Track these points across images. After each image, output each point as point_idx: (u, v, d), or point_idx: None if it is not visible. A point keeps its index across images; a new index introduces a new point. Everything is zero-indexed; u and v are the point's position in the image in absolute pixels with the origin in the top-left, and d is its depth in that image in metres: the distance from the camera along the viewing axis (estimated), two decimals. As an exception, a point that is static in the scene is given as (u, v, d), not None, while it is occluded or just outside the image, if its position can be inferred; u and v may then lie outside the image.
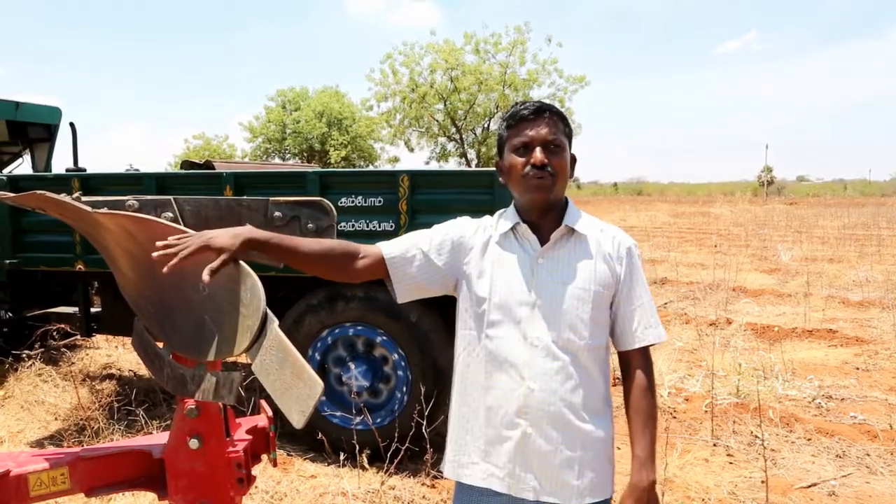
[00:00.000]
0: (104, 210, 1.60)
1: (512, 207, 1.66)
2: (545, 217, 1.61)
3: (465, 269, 1.65)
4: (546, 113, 1.56)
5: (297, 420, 1.35)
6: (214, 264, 1.37)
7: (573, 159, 1.64)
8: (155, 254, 1.38)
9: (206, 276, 1.34)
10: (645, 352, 1.61)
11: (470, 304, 1.64)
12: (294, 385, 1.35)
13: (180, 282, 1.56)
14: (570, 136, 1.62)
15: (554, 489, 1.55)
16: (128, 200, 1.84)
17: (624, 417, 1.63)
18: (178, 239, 1.42)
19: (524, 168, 1.55)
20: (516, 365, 1.56)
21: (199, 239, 1.40)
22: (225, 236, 1.42)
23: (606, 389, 1.64)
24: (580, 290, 1.55)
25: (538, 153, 1.54)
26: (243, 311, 1.43)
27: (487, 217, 1.72)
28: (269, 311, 1.43)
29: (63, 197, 1.59)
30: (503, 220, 1.65)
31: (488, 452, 1.60)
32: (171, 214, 1.83)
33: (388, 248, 1.64)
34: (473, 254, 1.64)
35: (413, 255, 1.64)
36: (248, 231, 1.46)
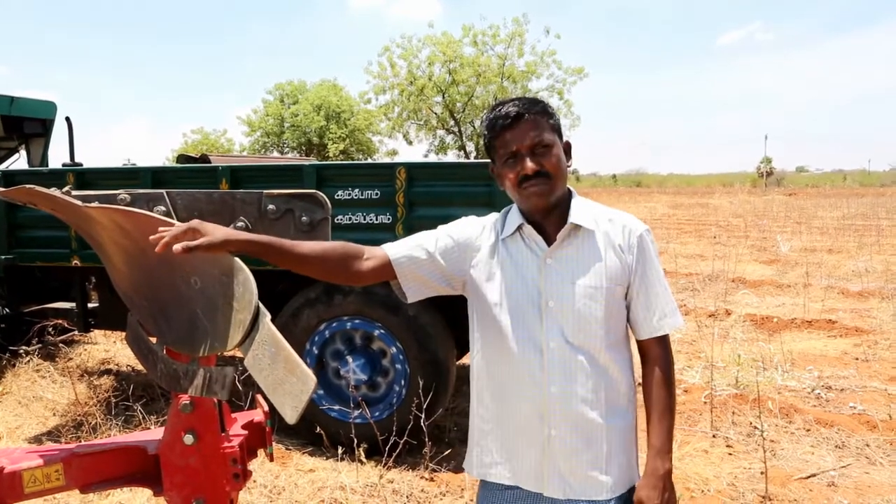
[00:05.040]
0: (95, 204, 1.58)
1: (515, 208, 1.62)
2: (549, 216, 1.57)
3: (473, 272, 1.61)
4: (525, 116, 1.50)
5: (290, 415, 1.34)
6: (192, 243, 1.31)
7: (567, 146, 1.59)
8: (152, 237, 1.34)
9: (178, 247, 1.29)
10: (662, 341, 1.58)
11: (481, 307, 1.61)
12: (287, 380, 1.34)
13: (173, 276, 1.54)
14: (557, 127, 1.56)
15: (584, 488, 1.54)
16: (119, 194, 1.82)
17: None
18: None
19: (517, 178, 1.52)
20: (532, 368, 1.54)
21: (191, 223, 1.35)
22: (217, 229, 1.37)
23: (629, 383, 1.61)
24: (591, 288, 1.52)
25: (528, 162, 1.50)
26: (235, 305, 1.41)
27: (493, 215, 1.67)
28: (261, 305, 1.41)
29: (53, 191, 1.57)
30: (508, 221, 1.61)
31: (512, 453, 1.59)
32: (163, 208, 1.81)
33: (393, 250, 1.59)
34: (481, 255, 1.61)
35: (419, 256, 1.60)
36: (244, 236, 1.41)
